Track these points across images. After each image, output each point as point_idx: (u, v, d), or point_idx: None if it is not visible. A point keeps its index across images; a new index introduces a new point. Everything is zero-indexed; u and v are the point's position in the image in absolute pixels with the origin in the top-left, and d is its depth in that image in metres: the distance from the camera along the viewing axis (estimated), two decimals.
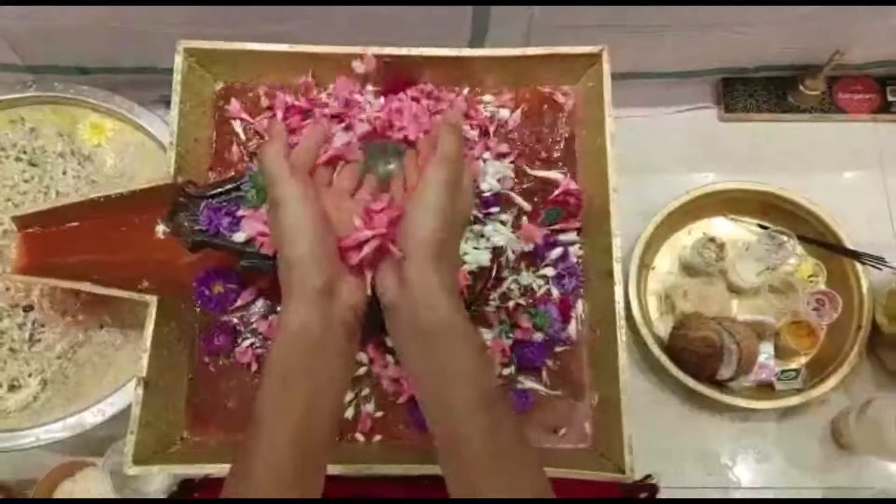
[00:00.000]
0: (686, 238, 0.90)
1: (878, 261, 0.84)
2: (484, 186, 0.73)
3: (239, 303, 0.73)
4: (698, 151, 0.95)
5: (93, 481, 0.79)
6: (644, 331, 0.82)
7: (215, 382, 0.72)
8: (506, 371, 0.72)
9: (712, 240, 0.87)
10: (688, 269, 0.89)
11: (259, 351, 0.72)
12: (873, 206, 0.92)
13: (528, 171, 0.77)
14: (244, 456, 0.44)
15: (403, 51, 0.74)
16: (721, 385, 0.82)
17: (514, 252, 0.73)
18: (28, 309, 0.77)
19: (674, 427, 0.84)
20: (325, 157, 0.53)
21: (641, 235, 0.85)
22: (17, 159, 0.82)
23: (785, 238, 0.84)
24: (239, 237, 0.62)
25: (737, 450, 0.84)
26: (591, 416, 0.71)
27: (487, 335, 0.71)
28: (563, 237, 0.75)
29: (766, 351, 0.84)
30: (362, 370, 0.71)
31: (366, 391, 0.71)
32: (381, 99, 0.77)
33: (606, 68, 0.73)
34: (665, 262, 0.90)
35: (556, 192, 0.76)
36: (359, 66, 0.74)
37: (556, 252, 0.74)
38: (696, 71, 0.95)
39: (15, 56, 0.84)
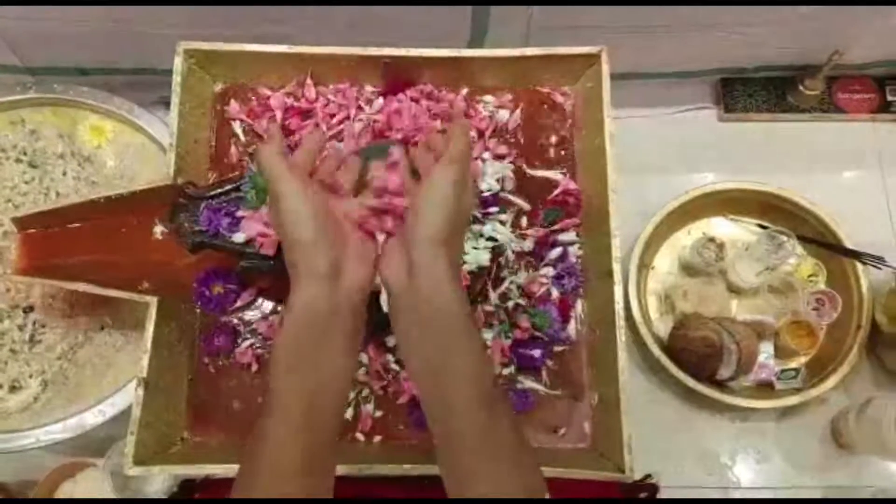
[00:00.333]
0: (686, 238, 0.90)
1: (877, 260, 0.84)
2: (483, 186, 0.73)
3: (239, 303, 0.73)
4: (698, 151, 0.95)
5: (93, 482, 0.80)
6: (644, 331, 0.82)
7: (215, 383, 0.72)
8: (505, 371, 0.72)
9: (712, 240, 0.87)
10: (687, 269, 0.89)
11: (259, 351, 0.72)
12: (873, 206, 0.92)
13: (528, 171, 0.77)
14: (257, 437, 0.46)
15: (403, 51, 0.74)
16: (721, 385, 0.82)
17: (513, 252, 0.73)
18: (28, 310, 0.78)
19: (673, 427, 0.84)
20: (323, 158, 0.54)
21: (641, 235, 0.85)
22: (18, 161, 0.82)
23: (784, 238, 0.84)
24: (238, 238, 0.63)
25: (736, 449, 0.84)
26: (591, 416, 0.71)
27: (487, 335, 0.71)
28: (562, 237, 0.75)
29: (765, 351, 0.84)
30: (362, 370, 0.71)
31: (366, 391, 0.72)
32: (381, 99, 0.77)
33: (605, 69, 0.73)
34: (665, 262, 0.90)
35: (556, 192, 0.76)
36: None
37: (556, 252, 0.74)
38: (696, 71, 0.95)
39: (15, 57, 0.84)
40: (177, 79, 0.72)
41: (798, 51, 0.90)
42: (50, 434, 0.74)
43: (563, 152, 0.78)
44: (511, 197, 0.75)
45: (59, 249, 0.69)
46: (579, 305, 0.74)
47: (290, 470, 0.45)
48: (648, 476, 0.80)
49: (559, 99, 0.79)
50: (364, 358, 0.71)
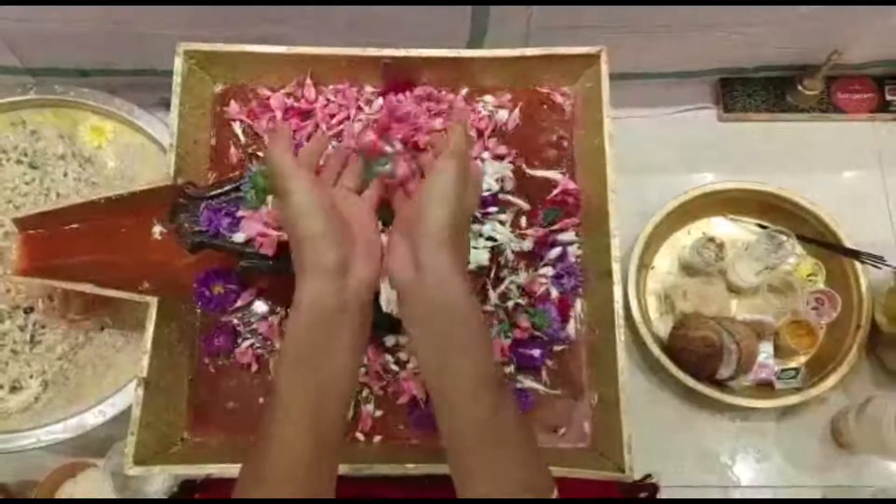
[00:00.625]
0: (685, 238, 0.90)
1: (877, 260, 0.84)
2: (483, 186, 0.73)
3: (239, 303, 0.73)
4: (697, 151, 0.95)
5: (94, 482, 0.80)
6: (643, 330, 0.82)
7: (215, 383, 0.72)
8: (505, 371, 0.72)
9: (711, 239, 0.87)
10: (687, 268, 0.89)
11: (259, 351, 0.73)
12: (872, 205, 0.92)
13: (527, 171, 0.77)
14: (262, 435, 0.46)
15: (402, 52, 0.74)
16: (721, 384, 0.82)
17: (513, 252, 0.73)
18: (29, 310, 0.78)
19: (673, 426, 0.84)
20: (327, 157, 0.55)
21: (641, 235, 0.85)
22: (18, 162, 0.82)
23: (784, 237, 0.84)
24: (238, 238, 0.63)
25: (736, 449, 0.84)
26: (591, 416, 0.71)
27: None
28: (561, 237, 0.75)
29: (765, 350, 0.84)
30: (361, 370, 0.71)
31: (366, 391, 0.72)
32: (380, 100, 0.77)
33: (605, 69, 0.73)
34: (664, 261, 0.90)
35: (555, 192, 0.76)
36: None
37: (555, 252, 0.74)
38: (695, 71, 0.95)
39: (15, 59, 0.84)
40: (177, 79, 0.72)
41: (797, 51, 0.91)
42: (50, 434, 0.74)
43: (562, 152, 0.78)
44: (510, 197, 0.75)
45: (60, 250, 0.69)
46: (579, 305, 0.74)
47: (295, 470, 0.45)
48: (648, 476, 0.80)
49: (559, 99, 0.79)
50: (364, 358, 0.72)
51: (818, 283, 0.88)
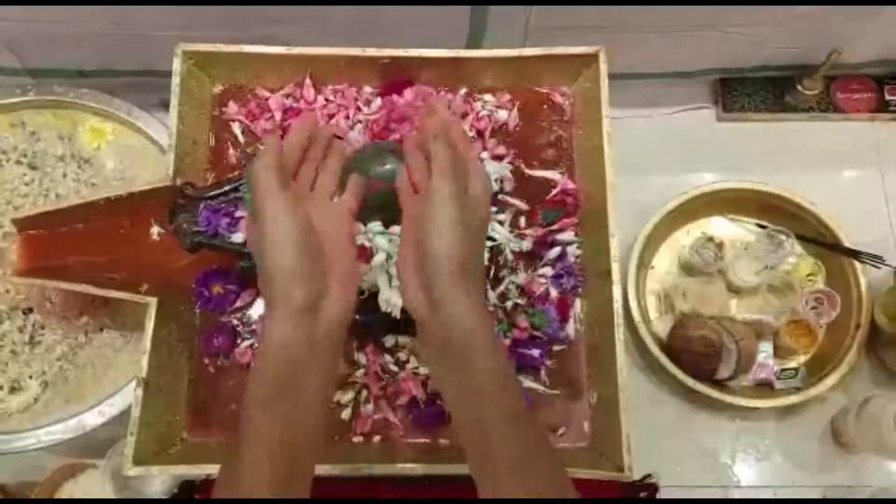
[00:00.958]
0: (685, 238, 0.90)
1: (876, 259, 0.84)
2: (492, 187, 0.73)
3: (238, 304, 0.73)
4: (696, 151, 0.95)
5: (94, 483, 0.80)
6: (643, 330, 0.82)
7: (215, 383, 0.72)
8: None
9: (711, 239, 0.87)
10: (687, 268, 0.89)
11: None
12: (872, 205, 0.92)
13: (526, 171, 0.77)
14: (233, 470, 0.44)
15: (401, 52, 0.74)
16: (720, 384, 0.82)
17: (512, 252, 0.73)
18: (28, 311, 0.78)
19: (673, 426, 0.84)
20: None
21: (640, 235, 0.85)
22: (18, 162, 0.83)
23: (783, 237, 0.84)
24: (237, 238, 0.63)
25: (736, 449, 0.84)
26: (590, 416, 0.71)
27: None
28: (560, 237, 0.75)
29: (765, 350, 0.84)
30: (360, 371, 0.71)
31: (364, 392, 0.72)
32: (379, 100, 0.77)
33: (603, 69, 0.73)
34: (664, 261, 0.90)
35: (554, 192, 0.76)
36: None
37: (554, 252, 0.74)
38: (694, 71, 0.95)
39: (15, 59, 0.84)
40: (176, 80, 0.72)
41: (797, 50, 0.91)
42: (50, 435, 0.74)
43: (561, 152, 0.78)
44: (509, 198, 0.75)
45: (59, 250, 0.69)
46: (578, 305, 0.74)
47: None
48: (648, 476, 0.80)
49: (558, 99, 0.79)
50: (363, 359, 0.72)
51: (818, 282, 0.88)
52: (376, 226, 0.61)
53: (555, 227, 0.75)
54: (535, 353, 0.71)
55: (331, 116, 0.77)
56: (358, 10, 0.77)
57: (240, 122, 0.78)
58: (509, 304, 0.73)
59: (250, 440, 0.44)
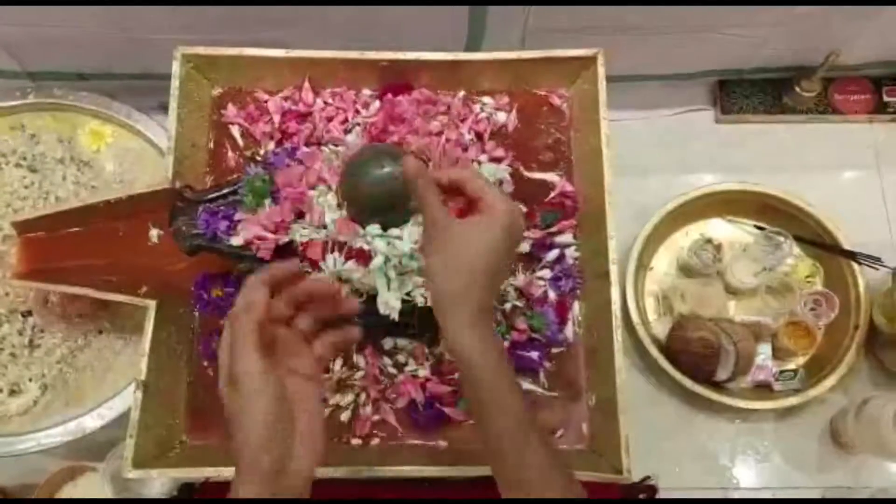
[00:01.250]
0: (683, 239, 0.90)
1: (874, 261, 0.84)
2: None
3: None
4: (695, 153, 0.95)
5: (93, 486, 0.80)
6: (641, 332, 0.82)
7: (214, 386, 0.71)
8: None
9: (709, 241, 0.87)
10: (685, 270, 0.89)
11: None
12: (870, 207, 0.92)
13: (525, 173, 0.77)
14: None
15: (400, 55, 0.74)
16: (719, 386, 0.82)
17: None
18: (27, 314, 0.78)
19: (672, 428, 0.84)
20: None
21: (638, 237, 0.85)
22: (18, 165, 0.83)
23: (782, 239, 0.84)
24: (236, 241, 0.63)
25: (735, 450, 0.84)
26: (589, 417, 0.71)
27: None
28: (559, 239, 0.75)
29: (763, 352, 0.84)
30: (360, 374, 0.72)
31: (363, 395, 0.72)
32: (378, 102, 0.77)
33: (601, 71, 0.73)
34: (662, 263, 0.90)
35: (553, 195, 0.76)
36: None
37: (553, 254, 0.74)
38: (693, 73, 0.95)
39: (14, 63, 0.84)
40: (175, 83, 0.72)
41: (795, 52, 0.91)
42: (50, 438, 0.74)
43: (559, 154, 0.78)
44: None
45: (59, 253, 0.70)
46: (576, 307, 0.74)
47: None
48: (647, 477, 0.80)
49: (556, 101, 0.79)
50: (361, 362, 0.72)
51: (816, 284, 0.88)
52: (375, 228, 0.61)
53: (553, 229, 0.75)
54: (534, 355, 0.71)
55: (329, 119, 0.77)
56: (357, 12, 0.77)
57: (239, 124, 0.78)
58: (508, 306, 0.73)
59: None
